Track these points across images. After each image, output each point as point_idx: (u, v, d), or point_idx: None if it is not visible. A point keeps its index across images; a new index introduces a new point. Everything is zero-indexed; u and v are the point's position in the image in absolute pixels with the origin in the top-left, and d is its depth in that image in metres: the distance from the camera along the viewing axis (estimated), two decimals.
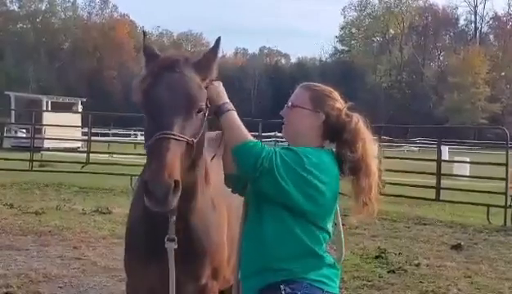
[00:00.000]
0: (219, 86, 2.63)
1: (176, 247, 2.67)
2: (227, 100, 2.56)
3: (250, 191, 2.57)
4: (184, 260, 2.81)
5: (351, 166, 2.52)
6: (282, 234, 2.41)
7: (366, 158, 2.53)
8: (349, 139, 2.53)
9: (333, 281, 2.49)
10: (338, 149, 2.56)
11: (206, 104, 2.61)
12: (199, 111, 2.52)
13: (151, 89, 2.51)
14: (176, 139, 2.36)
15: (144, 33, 2.77)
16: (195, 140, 2.46)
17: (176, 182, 2.29)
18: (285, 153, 2.41)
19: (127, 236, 3.11)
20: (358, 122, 2.57)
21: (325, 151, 2.54)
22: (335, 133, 2.57)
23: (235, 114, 2.53)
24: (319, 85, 2.68)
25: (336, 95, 2.65)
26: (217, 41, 2.70)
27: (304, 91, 2.63)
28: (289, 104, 2.62)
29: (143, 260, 2.85)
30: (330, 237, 2.53)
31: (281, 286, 2.39)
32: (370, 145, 2.56)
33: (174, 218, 2.65)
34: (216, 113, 2.56)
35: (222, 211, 3.06)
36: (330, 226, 2.52)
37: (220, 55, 2.77)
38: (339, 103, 2.62)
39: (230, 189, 2.76)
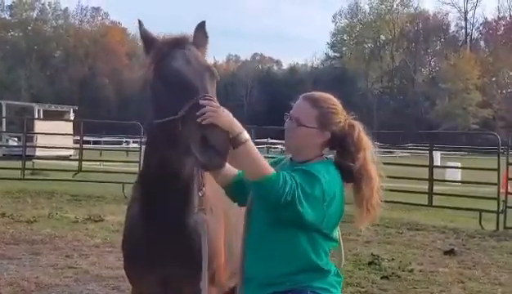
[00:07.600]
0: (230, 115, 2.35)
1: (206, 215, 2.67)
2: (242, 130, 2.32)
3: (258, 206, 2.50)
4: (183, 263, 2.78)
5: (352, 175, 2.54)
6: (291, 252, 2.43)
7: (366, 165, 2.56)
8: (352, 150, 2.55)
9: (336, 288, 2.55)
10: (339, 158, 2.58)
11: None
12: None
13: (172, 64, 2.47)
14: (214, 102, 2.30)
15: (140, 21, 2.72)
16: None
17: None
18: (304, 180, 2.36)
19: (124, 243, 3.04)
20: (360, 131, 2.59)
21: (329, 163, 2.56)
22: (337, 144, 2.59)
23: (252, 145, 2.34)
24: (324, 98, 2.61)
25: (339, 106, 2.61)
26: (201, 24, 2.77)
27: (310, 108, 2.55)
28: (294, 119, 2.54)
29: (143, 267, 2.80)
30: (337, 243, 2.61)
31: None
32: (370, 153, 2.59)
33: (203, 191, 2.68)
34: (232, 144, 2.29)
35: (219, 216, 2.99)
36: (336, 233, 2.58)
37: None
38: (342, 114, 2.60)
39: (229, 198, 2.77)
